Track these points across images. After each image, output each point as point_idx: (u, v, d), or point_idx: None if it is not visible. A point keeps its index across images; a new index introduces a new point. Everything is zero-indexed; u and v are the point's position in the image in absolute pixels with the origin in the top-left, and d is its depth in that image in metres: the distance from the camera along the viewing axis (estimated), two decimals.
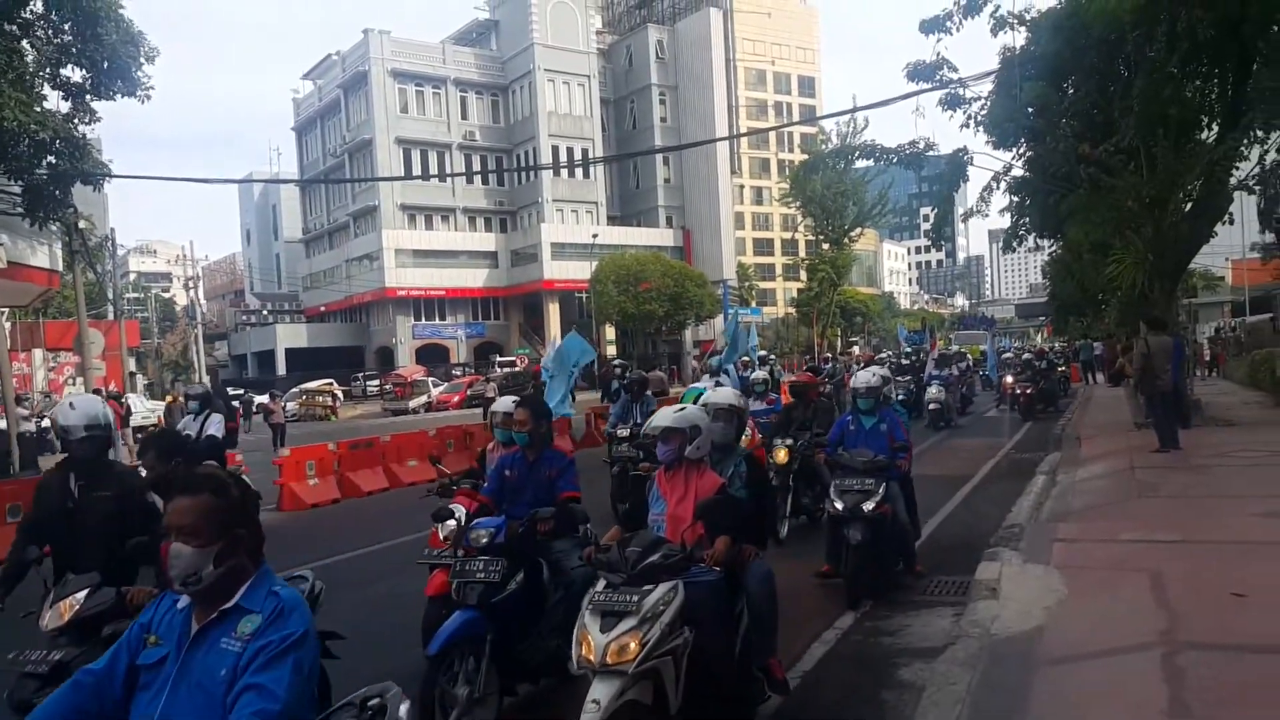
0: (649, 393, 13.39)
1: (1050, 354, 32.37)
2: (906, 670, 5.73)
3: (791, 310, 75.73)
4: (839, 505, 7.30)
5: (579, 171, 66.30)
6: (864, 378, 8.12)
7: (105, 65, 15.01)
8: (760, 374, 13.51)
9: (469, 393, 42.08)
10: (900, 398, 22.42)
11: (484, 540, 5.27)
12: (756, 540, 5.06)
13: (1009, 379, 25.27)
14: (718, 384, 15.22)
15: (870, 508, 7.17)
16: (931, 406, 21.05)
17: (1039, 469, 13.44)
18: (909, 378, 24.14)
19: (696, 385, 5.65)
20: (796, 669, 5.85)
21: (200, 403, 11.35)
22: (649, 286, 55.22)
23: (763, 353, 25.29)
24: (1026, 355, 29.53)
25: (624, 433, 11.80)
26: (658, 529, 4.81)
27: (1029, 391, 22.76)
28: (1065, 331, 53.43)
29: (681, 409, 5.17)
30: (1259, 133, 15.22)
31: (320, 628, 3.43)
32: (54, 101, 15.80)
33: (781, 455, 9.59)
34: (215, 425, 10.89)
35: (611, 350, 58.57)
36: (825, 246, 67.53)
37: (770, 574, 4.96)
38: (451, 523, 6.28)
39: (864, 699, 5.39)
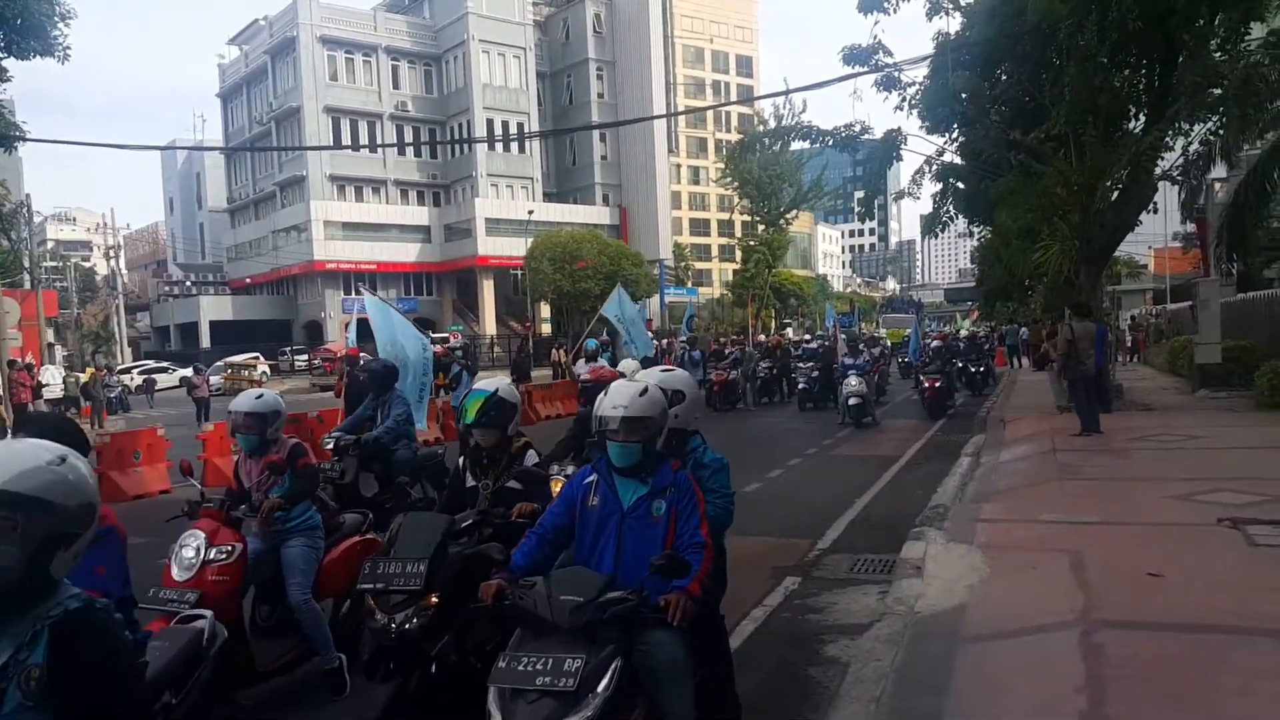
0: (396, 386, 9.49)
1: (975, 339, 31.13)
2: (833, 647, 5.77)
3: (727, 291, 76.13)
4: None
5: (514, 146, 65.59)
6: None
7: (18, 22, 14.46)
8: (631, 365, 9.32)
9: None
10: (803, 386, 21.81)
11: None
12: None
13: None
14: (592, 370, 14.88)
15: None
16: (851, 401, 17.90)
17: (964, 450, 13.69)
18: (812, 364, 22.01)
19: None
20: None
21: None
22: (585, 264, 54.98)
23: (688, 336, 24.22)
24: (935, 342, 25.45)
25: (329, 444, 8.79)
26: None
27: (937, 385, 19.56)
28: (993, 316, 54.48)
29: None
30: (1184, 125, 15.60)
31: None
32: None
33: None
34: None
35: (546, 329, 58.32)
36: (761, 228, 67.90)
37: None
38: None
39: (791, 675, 5.42)
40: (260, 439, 5.46)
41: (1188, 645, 4.93)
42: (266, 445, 5.47)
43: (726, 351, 24.62)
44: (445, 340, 51.20)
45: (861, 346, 22.72)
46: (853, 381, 18.05)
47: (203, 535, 4.96)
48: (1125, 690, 4.38)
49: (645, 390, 3.78)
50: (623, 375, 5.85)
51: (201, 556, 4.88)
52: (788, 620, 6.42)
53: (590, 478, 3.85)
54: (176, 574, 4.86)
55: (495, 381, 5.29)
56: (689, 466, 4.10)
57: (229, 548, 4.97)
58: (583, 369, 14.54)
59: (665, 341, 34.32)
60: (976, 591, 6.13)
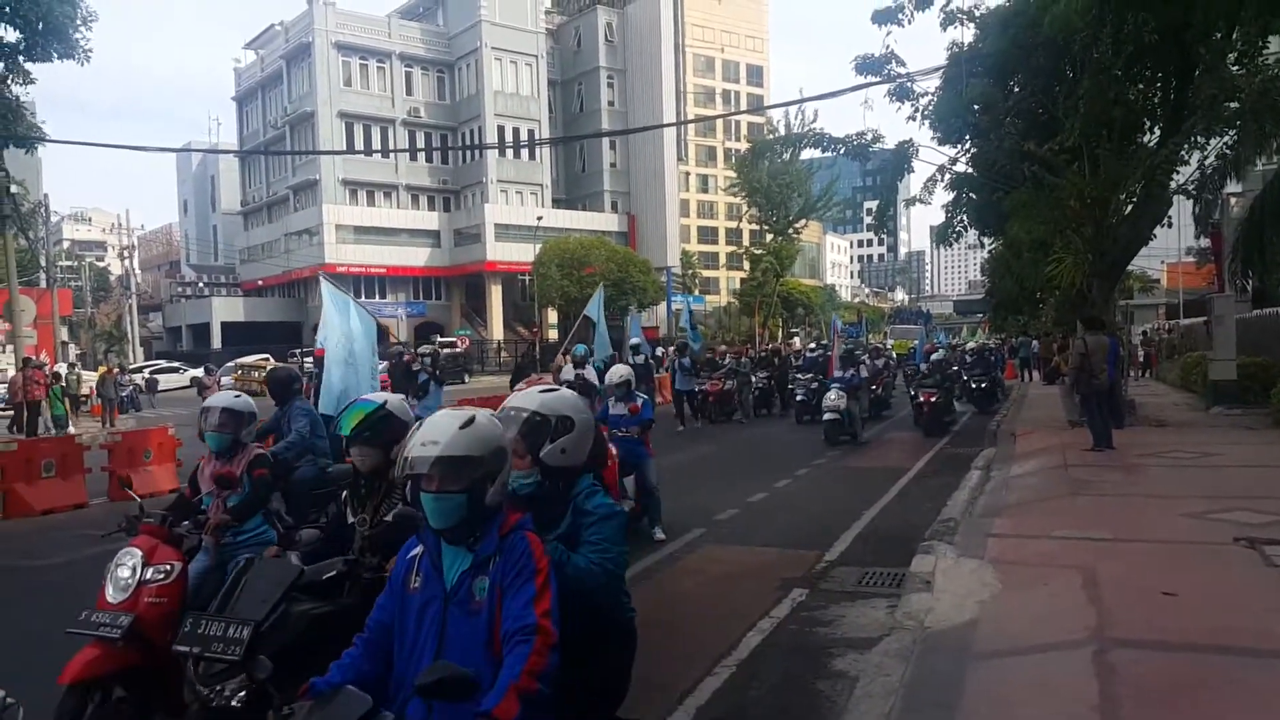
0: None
1: (984, 352, 28.95)
2: (841, 660, 5.70)
3: (734, 300, 76.00)
4: None
5: (524, 152, 65.70)
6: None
7: (40, 25, 14.57)
8: (621, 370, 10.14)
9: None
10: (801, 398, 20.55)
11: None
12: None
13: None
14: (578, 375, 13.86)
15: None
16: (827, 417, 16.64)
17: (974, 464, 13.58)
18: (811, 375, 20.65)
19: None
20: (732, 657, 5.81)
21: None
22: (593, 271, 54.96)
23: (635, 340, 22.35)
24: (935, 354, 23.41)
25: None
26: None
27: (934, 400, 18.01)
28: (1003, 329, 54.28)
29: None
30: (1199, 138, 15.49)
31: None
32: None
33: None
34: None
35: (554, 335, 58.29)
36: (769, 237, 67.85)
37: None
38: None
39: (799, 688, 5.35)
40: (234, 439, 5.24)
41: (1203, 666, 4.84)
42: (237, 448, 5.25)
43: (721, 361, 23.70)
44: (453, 344, 51.45)
45: (865, 357, 22.12)
46: (831, 396, 16.71)
47: (139, 553, 4.62)
48: (1140, 712, 4.30)
49: (471, 421, 2.82)
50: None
51: (138, 576, 4.53)
52: (795, 632, 6.35)
53: (414, 549, 2.92)
54: (111, 595, 4.51)
55: (390, 395, 4.58)
56: (566, 518, 3.24)
57: (167, 567, 4.62)
58: (569, 375, 14.17)
59: (665, 349, 33.56)
60: (988, 607, 6.05)
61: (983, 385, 23.80)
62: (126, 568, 4.58)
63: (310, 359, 47.30)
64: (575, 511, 3.25)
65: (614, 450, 8.63)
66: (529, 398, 3.33)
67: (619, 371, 9.95)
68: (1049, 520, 8.67)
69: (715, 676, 5.50)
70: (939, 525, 9.00)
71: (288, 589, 3.88)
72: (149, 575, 4.57)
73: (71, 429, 22.36)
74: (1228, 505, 8.47)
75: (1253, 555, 6.78)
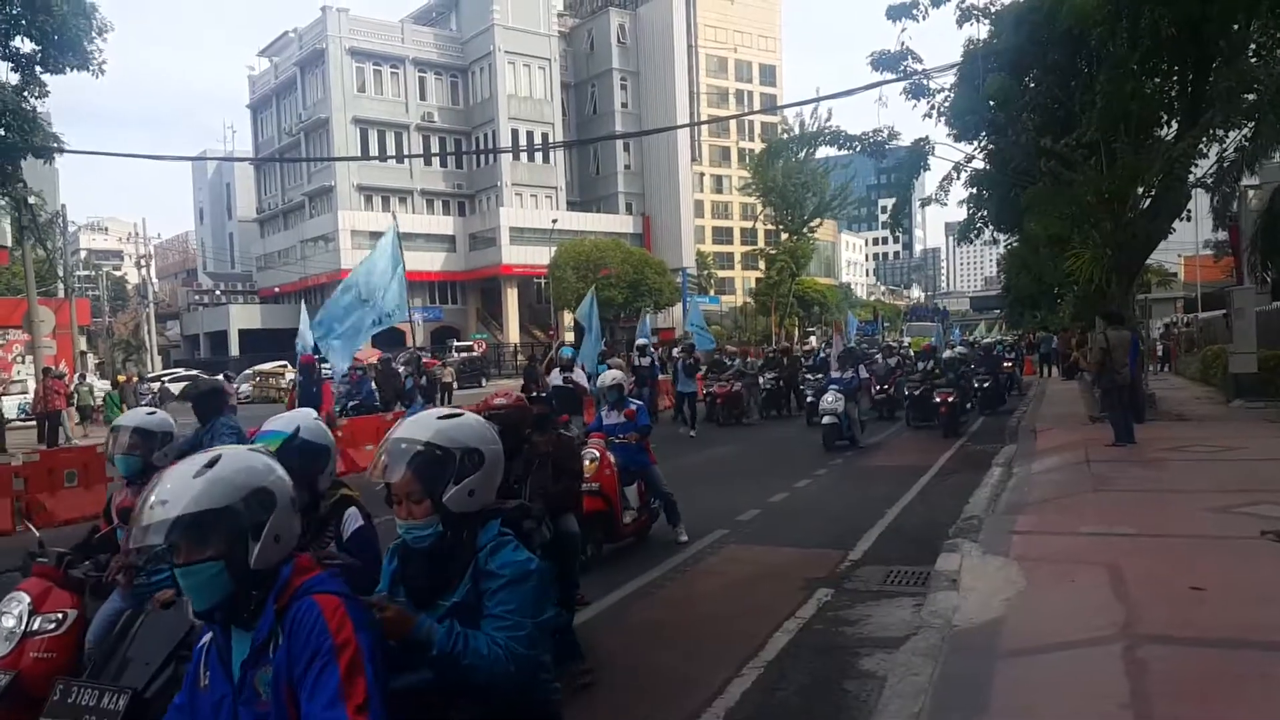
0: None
1: (991, 349, 27.44)
2: (869, 660, 5.71)
3: (750, 299, 75.92)
4: None
5: (538, 156, 65.84)
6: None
7: (56, 37, 14.71)
8: (612, 375, 9.68)
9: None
10: (811, 399, 19.37)
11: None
12: None
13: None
14: (566, 379, 13.84)
15: None
16: (825, 420, 15.80)
17: (995, 461, 13.55)
18: (823, 374, 19.38)
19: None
20: (760, 658, 5.82)
21: None
22: (608, 273, 55.04)
23: (642, 340, 21.99)
24: (954, 352, 22.06)
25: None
26: None
27: (950, 400, 17.31)
28: (1020, 325, 53.99)
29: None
30: (1218, 131, 15.40)
31: None
32: (3, 73, 15.45)
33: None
34: None
35: (570, 337, 58.37)
36: (785, 236, 67.75)
37: None
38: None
39: (828, 688, 5.35)
40: (144, 463, 4.48)
41: (1234, 661, 4.83)
42: (149, 471, 4.29)
43: (727, 362, 23.05)
44: (469, 348, 51.50)
45: (878, 355, 21.68)
46: (828, 399, 15.83)
47: (27, 599, 4.00)
48: (1173, 708, 4.29)
49: (214, 462, 2.20)
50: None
51: (23, 626, 3.93)
52: (821, 632, 6.36)
53: (204, 637, 2.35)
54: None
55: (299, 416, 3.85)
56: (465, 581, 2.55)
57: (59, 615, 4.00)
58: (557, 379, 14.06)
59: (673, 348, 32.28)
60: (1014, 605, 6.04)
61: (985, 385, 21.81)
62: (11, 616, 3.98)
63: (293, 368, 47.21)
64: (476, 572, 2.54)
65: (612, 459, 8.49)
66: (422, 426, 2.62)
67: (611, 376, 9.56)
68: (1073, 517, 8.65)
69: (743, 677, 5.52)
70: (962, 523, 9.00)
71: (176, 647, 3.29)
72: (36, 625, 3.97)
73: (76, 440, 21.84)
74: (1252, 499, 8.43)
75: (1279, 549, 6.75)
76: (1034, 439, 15.15)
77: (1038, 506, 9.46)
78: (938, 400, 17.44)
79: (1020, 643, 5.42)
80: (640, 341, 22.14)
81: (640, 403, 9.36)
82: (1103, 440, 12.92)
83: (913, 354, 27.39)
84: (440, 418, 2.65)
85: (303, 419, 3.78)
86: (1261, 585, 6.03)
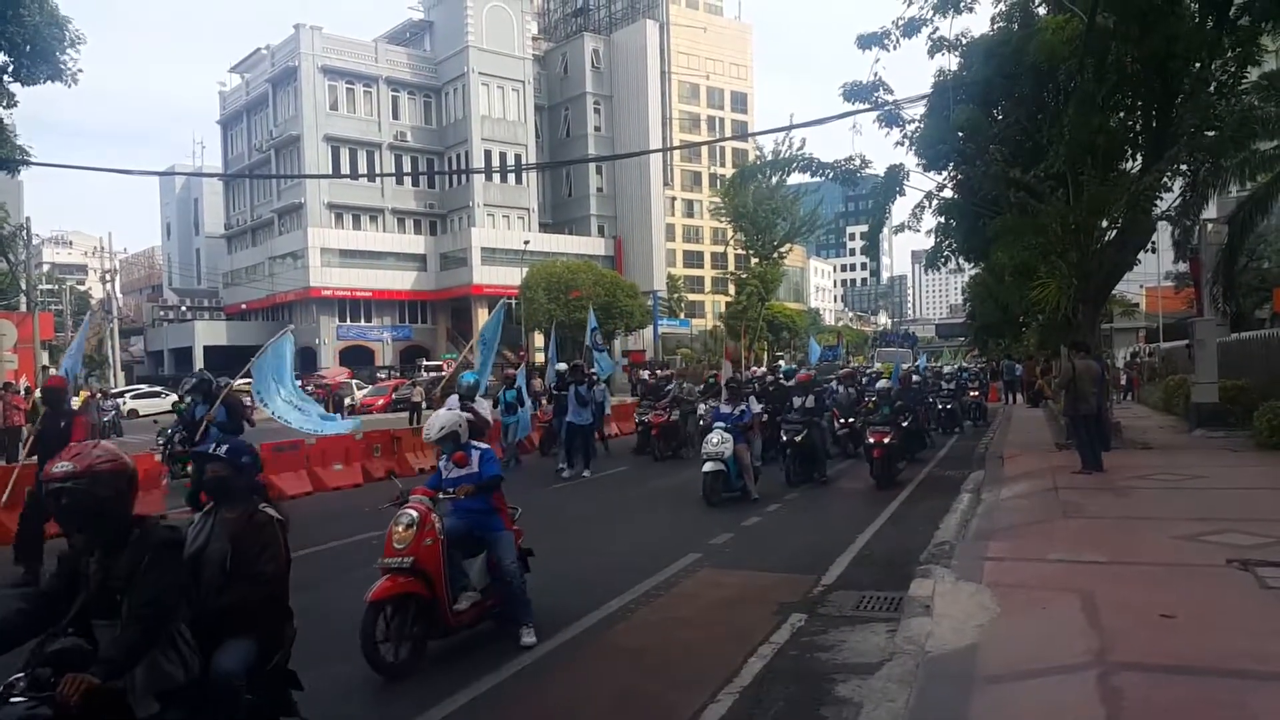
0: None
1: (930, 376, 26.83)
2: (844, 686, 5.70)
3: (719, 323, 76.17)
4: None
5: (511, 177, 66.03)
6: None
7: (28, 48, 14.57)
8: (444, 419, 7.21)
9: (394, 396, 41.47)
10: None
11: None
12: None
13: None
14: (466, 407, 11.57)
15: None
16: (707, 468, 12.91)
17: (963, 486, 13.64)
18: (763, 405, 15.26)
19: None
20: (735, 684, 5.80)
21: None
22: (579, 295, 55.10)
23: (561, 366, 19.75)
24: (882, 383, 18.66)
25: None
26: None
27: (886, 441, 14.28)
28: (984, 353, 54.57)
29: None
30: (1183, 166, 15.70)
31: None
32: None
33: None
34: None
35: (540, 358, 58.25)
36: (755, 261, 68.15)
37: None
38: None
39: (804, 715, 5.34)
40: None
41: (1206, 689, 4.88)
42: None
43: (664, 388, 20.59)
44: (438, 367, 51.24)
45: (836, 385, 19.08)
46: (713, 440, 13.03)
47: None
48: None
49: None
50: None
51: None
52: (796, 658, 6.35)
53: None
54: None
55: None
56: None
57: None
58: (453, 405, 12.09)
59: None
60: (988, 631, 6.08)
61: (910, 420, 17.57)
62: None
63: (299, 383, 46.85)
64: None
65: (437, 524, 6.46)
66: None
67: (441, 421, 7.19)
68: (1043, 543, 8.72)
69: (719, 704, 5.49)
70: (934, 549, 9.04)
71: None
72: None
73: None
74: (1218, 527, 8.55)
75: (1246, 577, 6.84)
76: (1001, 465, 15.29)
77: (1008, 532, 9.53)
78: (871, 441, 14.57)
79: (995, 669, 5.44)
80: (560, 367, 19.82)
81: (486, 446, 7.25)
82: (1070, 467, 13.08)
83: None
84: None
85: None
86: (1231, 614, 6.11)
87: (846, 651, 6.42)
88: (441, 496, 6.80)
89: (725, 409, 13.78)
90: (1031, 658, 5.58)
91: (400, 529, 6.25)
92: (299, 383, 14.57)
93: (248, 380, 42.85)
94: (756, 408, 14.31)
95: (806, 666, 6.17)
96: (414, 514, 6.32)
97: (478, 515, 6.95)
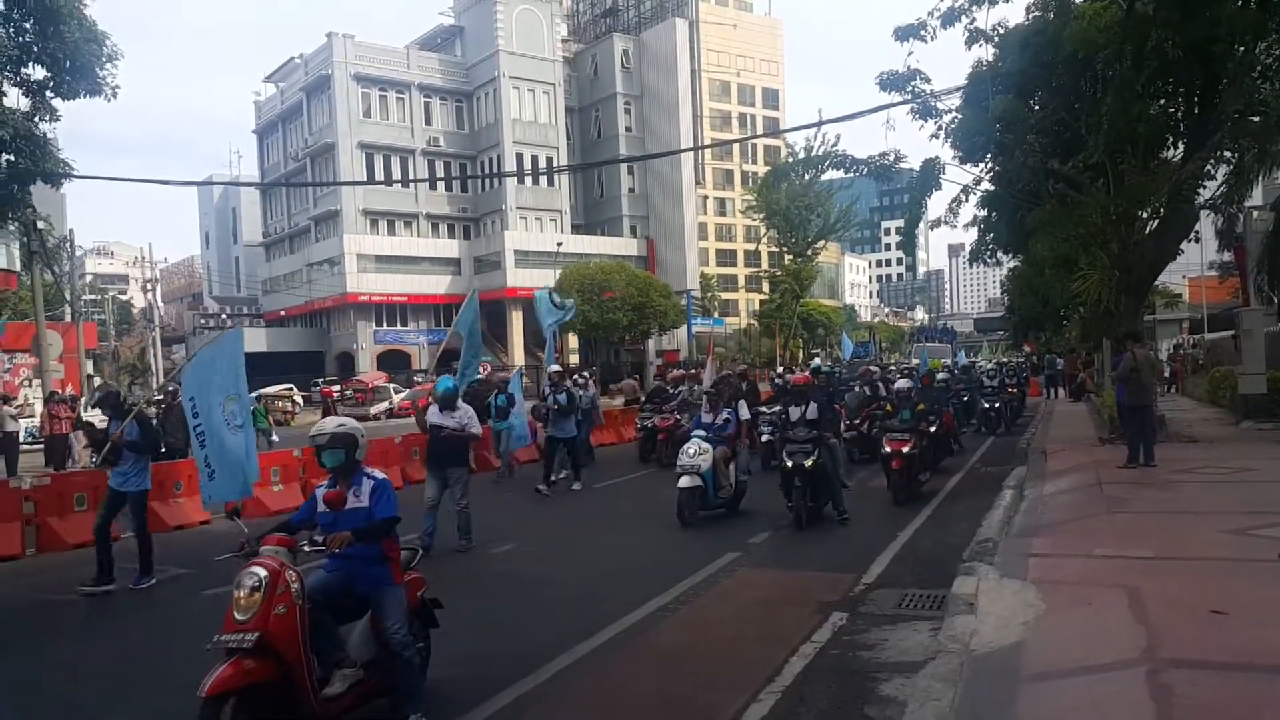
0: None
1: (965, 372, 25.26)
2: (887, 685, 5.64)
3: (754, 322, 75.97)
4: None
5: (543, 179, 66.19)
6: None
7: (67, 64, 14.79)
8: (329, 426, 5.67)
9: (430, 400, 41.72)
10: (766, 438, 15.82)
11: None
12: None
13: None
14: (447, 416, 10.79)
15: None
16: (682, 483, 11.45)
17: (1005, 483, 13.46)
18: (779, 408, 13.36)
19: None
20: (777, 683, 5.76)
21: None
22: (613, 296, 55.14)
23: (555, 367, 17.74)
24: (902, 382, 15.39)
25: None
26: None
27: (905, 450, 12.59)
28: (1038, 343, 53.71)
29: None
30: (1226, 153, 15.41)
31: None
32: (14, 99, 15.52)
33: None
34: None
35: (575, 359, 58.40)
36: (788, 259, 67.85)
37: None
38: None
39: (848, 714, 5.29)
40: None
41: (1260, 686, 4.77)
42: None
43: (673, 390, 19.31)
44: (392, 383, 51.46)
45: (856, 385, 18.04)
46: (689, 451, 11.65)
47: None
48: None
49: None
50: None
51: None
52: (838, 657, 6.30)
53: None
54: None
55: None
56: None
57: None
58: (434, 416, 10.95)
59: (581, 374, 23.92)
60: (1033, 629, 5.99)
61: (936, 428, 15.24)
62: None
63: (338, 387, 46.76)
64: None
65: (294, 585, 4.82)
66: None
67: (337, 421, 5.80)
68: (1088, 539, 8.59)
69: (760, 703, 5.46)
70: (977, 546, 8.93)
71: None
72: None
73: (85, 463, 21.53)
74: (1268, 521, 8.37)
75: None
76: (1045, 461, 15.08)
77: (1052, 529, 9.40)
78: (888, 450, 12.75)
79: (1041, 667, 5.36)
80: (554, 368, 17.59)
81: (382, 476, 5.59)
82: (1114, 462, 12.88)
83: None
84: None
85: None
86: None
87: (889, 650, 6.35)
88: (306, 548, 5.22)
89: (706, 417, 12.47)
90: (1078, 655, 5.49)
91: (243, 594, 4.67)
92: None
93: (287, 388, 43.09)
94: (745, 414, 12.96)
95: (849, 665, 6.12)
96: (261, 573, 4.71)
97: (359, 565, 5.33)
